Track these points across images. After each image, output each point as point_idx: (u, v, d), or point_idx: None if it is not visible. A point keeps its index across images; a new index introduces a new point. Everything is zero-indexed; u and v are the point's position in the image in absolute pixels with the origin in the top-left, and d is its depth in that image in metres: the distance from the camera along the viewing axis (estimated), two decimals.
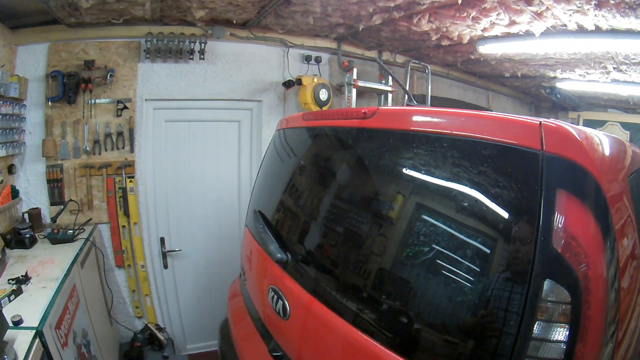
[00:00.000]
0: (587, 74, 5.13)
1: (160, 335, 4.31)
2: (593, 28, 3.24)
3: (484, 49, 4.24)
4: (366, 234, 1.78)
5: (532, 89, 6.93)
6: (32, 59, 3.92)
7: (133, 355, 4.08)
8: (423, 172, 1.61)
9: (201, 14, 3.76)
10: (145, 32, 4.05)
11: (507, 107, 7.41)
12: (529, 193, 1.26)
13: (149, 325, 4.37)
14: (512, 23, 3.46)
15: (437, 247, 1.46)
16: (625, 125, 7.29)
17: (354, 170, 2.04)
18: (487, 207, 1.35)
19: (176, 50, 4.16)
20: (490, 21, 3.51)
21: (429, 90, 5.61)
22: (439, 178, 1.54)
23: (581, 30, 3.34)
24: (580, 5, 2.86)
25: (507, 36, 3.86)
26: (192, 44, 4.18)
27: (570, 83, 5.81)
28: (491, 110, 6.78)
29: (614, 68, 4.61)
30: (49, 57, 3.96)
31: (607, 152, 1.48)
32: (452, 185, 1.48)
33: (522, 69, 5.50)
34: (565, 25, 3.30)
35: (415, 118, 1.75)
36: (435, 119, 1.65)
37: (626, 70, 4.58)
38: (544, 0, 2.88)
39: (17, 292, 2.59)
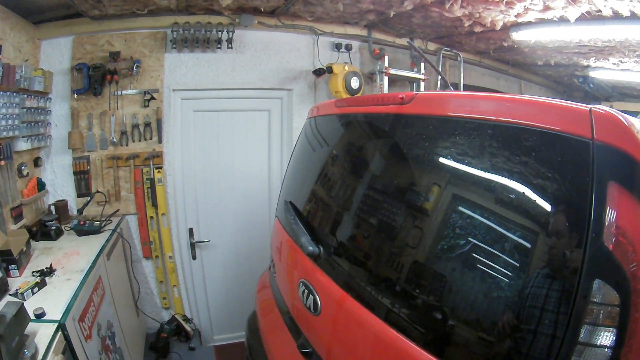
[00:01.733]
0: (621, 62, 5.03)
1: (187, 326, 4.34)
2: (629, 14, 3.15)
3: (518, 36, 4.15)
4: (404, 226, 1.70)
5: (565, 78, 6.80)
6: (56, 53, 3.94)
7: (159, 346, 4.10)
8: (466, 161, 1.51)
9: (228, 2, 3.72)
10: (171, 22, 4.02)
11: (540, 96, 7.19)
12: (579, 185, 1.18)
13: (176, 316, 4.40)
14: (547, 8, 3.37)
15: (481, 243, 1.38)
16: None
17: (390, 158, 1.95)
18: (534, 200, 1.27)
19: (203, 40, 4.13)
20: (524, 6, 3.43)
21: (462, 78, 5.48)
22: (483, 168, 1.45)
23: (616, 17, 3.26)
24: None
25: (541, 22, 3.77)
26: (220, 33, 4.13)
27: (604, 72, 5.70)
28: None
29: None
30: (73, 50, 3.97)
31: None
32: (497, 176, 1.40)
33: (555, 57, 5.38)
34: (600, 11, 3.22)
35: (457, 103, 1.66)
36: (478, 104, 1.55)
37: None
38: None
39: (40, 285, 2.60)
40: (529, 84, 7.00)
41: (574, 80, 6.51)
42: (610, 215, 1.11)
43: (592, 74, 5.90)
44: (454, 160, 1.56)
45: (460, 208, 1.51)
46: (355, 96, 4.24)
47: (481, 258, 1.37)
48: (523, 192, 1.30)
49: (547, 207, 1.25)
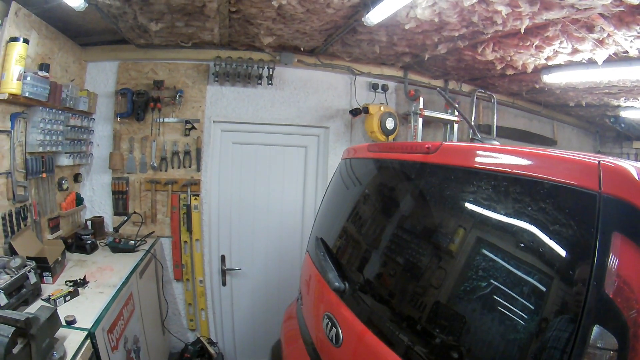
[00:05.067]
0: None
1: (211, 349, 4.39)
2: None
3: (548, 78, 4.18)
4: (425, 267, 1.76)
5: (597, 118, 6.73)
6: (101, 76, 4.16)
7: None
8: (483, 210, 1.59)
9: (269, 40, 3.87)
10: (213, 56, 4.20)
11: (572, 137, 7.19)
12: (583, 235, 1.23)
13: (201, 338, 4.47)
14: (575, 51, 3.42)
15: (495, 284, 1.44)
16: None
17: (416, 204, 2.03)
18: (542, 248, 1.33)
19: (244, 75, 4.27)
20: (554, 49, 3.48)
21: (495, 120, 5.50)
22: (499, 216, 1.52)
23: None
24: None
25: (571, 64, 3.81)
26: (260, 69, 4.29)
27: (634, 112, 5.67)
28: (556, 141, 6.68)
29: None
30: (118, 75, 4.19)
31: None
32: (509, 224, 1.47)
33: (586, 98, 5.37)
34: (627, 52, 3.25)
35: (477, 155, 1.72)
36: (495, 157, 1.63)
37: None
38: (605, 27, 2.85)
39: (73, 294, 2.74)
40: (561, 125, 6.92)
41: (605, 121, 6.43)
42: (612, 264, 1.14)
43: (623, 113, 5.86)
44: (474, 209, 1.65)
45: (475, 254, 1.56)
46: (385, 142, 4.29)
47: (497, 299, 1.42)
48: (534, 242, 1.35)
49: (555, 255, 1.30)
